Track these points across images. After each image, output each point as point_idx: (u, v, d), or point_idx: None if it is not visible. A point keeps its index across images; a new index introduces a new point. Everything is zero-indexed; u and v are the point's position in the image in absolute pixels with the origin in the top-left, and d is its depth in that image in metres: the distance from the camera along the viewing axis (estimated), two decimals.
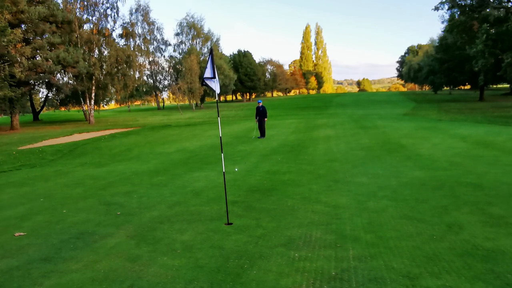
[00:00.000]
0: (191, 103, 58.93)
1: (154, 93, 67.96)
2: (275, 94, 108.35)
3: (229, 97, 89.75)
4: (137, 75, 40.52)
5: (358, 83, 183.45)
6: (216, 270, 3.43)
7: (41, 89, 36.66)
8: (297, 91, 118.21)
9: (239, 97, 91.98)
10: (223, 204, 5.47)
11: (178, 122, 31.34)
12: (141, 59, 41.32)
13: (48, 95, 37.09)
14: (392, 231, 4.26)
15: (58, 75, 31.55)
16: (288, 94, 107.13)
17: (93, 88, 35.06)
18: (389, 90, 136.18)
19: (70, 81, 32.74)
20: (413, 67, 70.22)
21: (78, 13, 34.10)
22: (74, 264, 3.70)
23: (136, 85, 44.18)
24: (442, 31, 43.40)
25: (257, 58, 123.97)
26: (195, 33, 62.30)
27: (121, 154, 12.86)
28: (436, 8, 33.07)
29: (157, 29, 51.45)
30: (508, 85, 57.10)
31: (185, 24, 61.67)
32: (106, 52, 36.57)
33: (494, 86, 66.40)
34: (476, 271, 3.20)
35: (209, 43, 63.24)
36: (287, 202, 5.66)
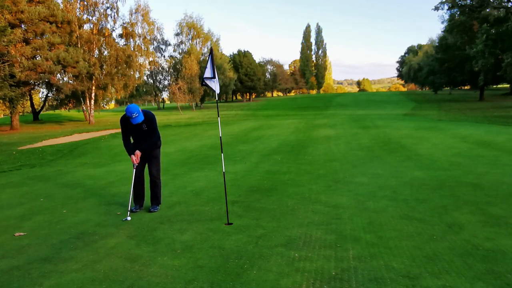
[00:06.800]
0: (191, 104, 58.96)
1: (154, 93, 67.88)
2: (275, 94, 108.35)
3: (229, 97, 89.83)
4: (137, 75, 40.51)
5: (358, 83, 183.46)
6: (216, 270, 3.43)
7: (41, 89, 36.67)
8: (297, 91, 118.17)
9: (239, 97, 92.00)
10: (223, 204, 5.47)
11: (178, 122, 31.35)
12: (141, 59, 41.31)
13: (48, 95, 37.09)
14: (392, 231, 4.26)
15: (58, 75, 31.55)
16: (288, 94, 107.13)
17: (93, 88, 35.06)
18: (389, 90, 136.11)
19: (70, 81, 32.75)
20: (413, 67, 70.26)
21: (78, 13, 34.10)
22: (74, 264, 3.70)
23: (136, 85, 44.18)
24: (442, 31, 43.44)
25: (257, 58, 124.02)
26: (195, 33, 62.33)
27: (121, 154, 12.85)
28: (436, 8, 33.11)
29: (157, 29, 51.48)
30: (508, 85, 57.12)
31: (184, 24, 61.67)
32: (106, 52, 36.56)
33: (494, 86, 66.40)
34: (476, 271, 3.20)
35: (209, 43, 63.27)
36: (287, 202, 5.66)
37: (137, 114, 5.15)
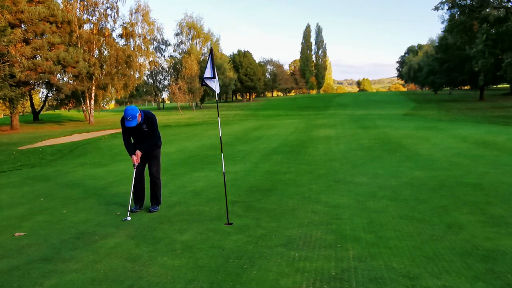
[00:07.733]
0: (191, 104, 58.99)
1: (154, 93, 67.90)
2: (275, 94, 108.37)
3: (229, 97, 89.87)
4: (137, 75, 40.52)
5: (358, 83, 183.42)
6: (216, 270, 3.43)
7: (41, 89, 36.66)
8: (297, 91, 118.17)
9: (239, 97, 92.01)
10: (223, 204, 5.47)
11: (178, 122, 31.35)
12: (141, 59, 41.32)
13: (48, 95, 37.09)
14: (392, 231, 4.26)
15: (58, 75, 31.54)
16: (288, 94, 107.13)
17: (93, 88, 35.06)
18: (389, 90, 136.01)
19: (70, 81, 32.74)
20: (413, 67, 70.24)
21: (78, 13, 34.10)
22: (74, 264, 3.70)
23: (136, 85, 44.19)
24: (442, 31, 43.45)
25: (257, 58, 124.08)
26: (195, 33, 62.34)
27: (121, 154, 12.85)
28: (436, 8, 33.11)
29: (157, 29, 51.47)
30: (508, 85, 57.11)
31: (184, 24, 61.69)
32: (106, 52, 36.57)
33: (494, 86, 66.40)
34: (476, 271, 3.20)
35: (209, 43, 63.30)
36: (287, 202, 5.66)
37: (130, 119, 5.10)
